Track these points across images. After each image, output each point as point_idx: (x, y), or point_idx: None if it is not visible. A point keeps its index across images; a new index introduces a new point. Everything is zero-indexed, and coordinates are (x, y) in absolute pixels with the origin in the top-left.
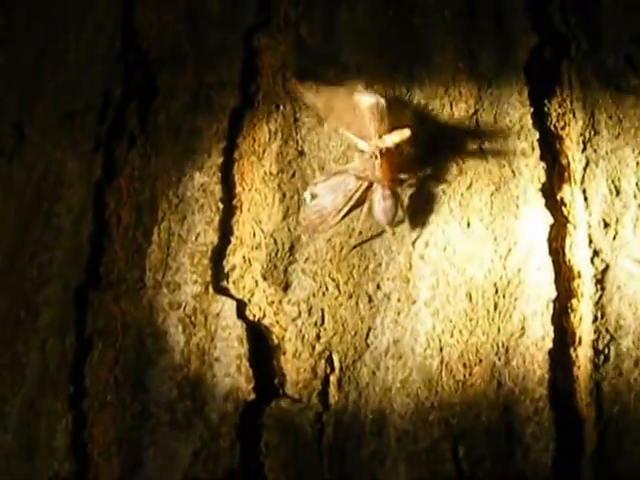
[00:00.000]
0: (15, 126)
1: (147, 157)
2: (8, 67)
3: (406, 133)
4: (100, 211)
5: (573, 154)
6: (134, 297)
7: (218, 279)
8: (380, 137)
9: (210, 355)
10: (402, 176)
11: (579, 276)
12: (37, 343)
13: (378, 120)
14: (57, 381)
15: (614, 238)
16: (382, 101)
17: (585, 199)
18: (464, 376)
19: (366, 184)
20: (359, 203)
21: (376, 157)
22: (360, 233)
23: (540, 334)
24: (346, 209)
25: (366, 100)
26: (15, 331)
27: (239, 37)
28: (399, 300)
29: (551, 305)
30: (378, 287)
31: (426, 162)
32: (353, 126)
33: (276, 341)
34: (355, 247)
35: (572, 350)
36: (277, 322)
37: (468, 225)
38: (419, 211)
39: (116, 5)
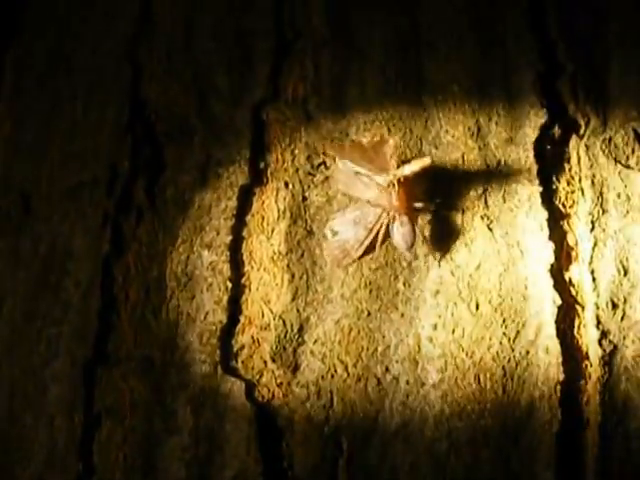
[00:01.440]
0: (22, 196)
1: (155, 233)
2: (16, 135)
3: (426, 161)
4: (108, 286)
5: (581, 233)
6: (142, 375)
7: (227, 359)
8: (399, 167)
9: (219, 436)
10: (418, 205)
11: (587, 357)
12: (45, 419)
13: (399, 156)
14: (65, 458)
15: (622, 319)
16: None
17: (593, 279)
18: (472, 459)
19: (385, 215)
20: (379, 234)
21: (394, 185)
22: (369, 314)
23: (548, 417)
24: (367, 242)
25: (389, 141)
26: (24, 405)
27: (247, 111)
28: (408, 383)
29: (559, 388)
30: (387, 369)
31: (435, 242)
32: (373, 165)
33: (285, 423)
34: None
35: (580, 432)
36: (286, 404)
37: (477, 307)
38: (428, 292)
39: (124, 75)
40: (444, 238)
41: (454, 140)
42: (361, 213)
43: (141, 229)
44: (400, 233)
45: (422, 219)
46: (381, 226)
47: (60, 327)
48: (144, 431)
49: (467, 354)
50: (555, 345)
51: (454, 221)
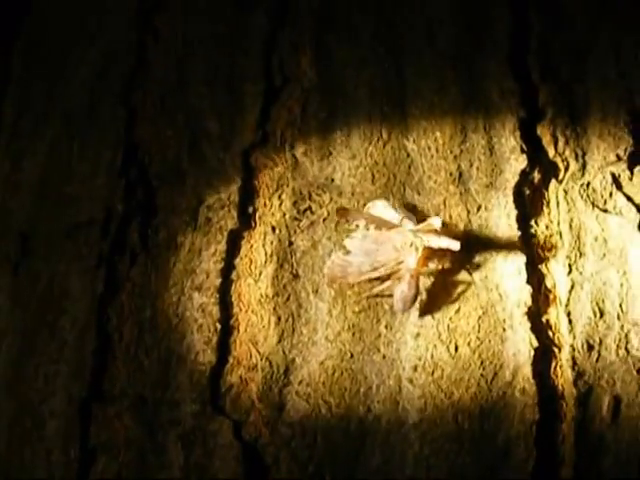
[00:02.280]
0: (21, 237)
1: (148, 274)
2: (15, 174)
3: (455, 246)
4: (103, 325)
5: (559, 276)
6: (135, 413)
7: (216, 398)
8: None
9: (208, 473)
10: (430, 267)
11: (562, 397)
12: (43, 453)
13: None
14: None
15: (597, 360)
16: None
17: (570, 321)
18: None
19: (397, 266)
20: (381, 278)
21: (417, 249)
22: (352, 356)
23: (524, 456)
24: (366, 277)
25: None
26: (22, 440)
27: (237, 156)
28: (389, 422)
29: (534, 427)
30: (369, 409)
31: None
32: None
33: (271, 461)
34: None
35: (555, 470)
36: (272, 442)
37: (456, 349)
38: (409, 334)
39: (119, 118)
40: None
41: (436, 186)
42: (376, 249)
43: (134, 270)
44: (403, 295)
45: None
46: (386, 272)
47: (57, 365)
48: (137, 466)
49: (446, 395)
50: (531, 386)
51: (434, 264)
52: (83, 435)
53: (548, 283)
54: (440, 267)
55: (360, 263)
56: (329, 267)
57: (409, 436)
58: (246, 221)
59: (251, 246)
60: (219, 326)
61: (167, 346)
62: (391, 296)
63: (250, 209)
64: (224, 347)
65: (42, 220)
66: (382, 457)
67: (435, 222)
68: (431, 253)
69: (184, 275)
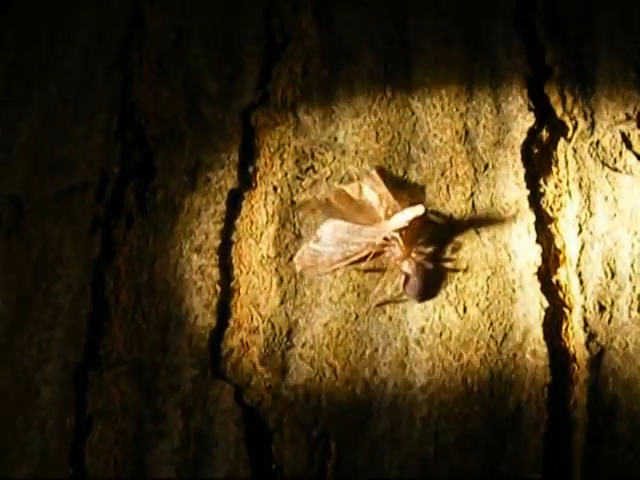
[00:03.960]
0: (14, 201)
1: (145, 237)
2: (7, 139)
3: (419, 209)
4: (99, 291)
5: (569, 236)
6: (133, 379)
7: (216, 362)
8: (389, 217)
9: (208, 439)
10: (421, 250)
11: (574, 360)
12: (37, 422)
13: (385, 206)
14: (57, 461)
15: (609, 321)
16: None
17: (581, 282)
18: (459, 461)
19: (367, 252)
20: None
21: (395, 239)
22: (357, 318)
23: (535, 419)
24: (337, 266)
25: (370, 191)
26: (16, 409)
27: (237, 116)
28: (395, 385)
29: (546, 390)
30: (375, 372)
31: (424, 244)
32: (361, 215)
33: (274, 425)
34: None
35: (567, 434)
36: (275, 407)
37: (464, 310)
38: None
39: (115, 81)
40: (432, 241)
41: (442, 144)
42: (348, 238)
43: (131, 233)
44: (409, 286)
45: None
46: (360, 258)
47: (51, 331)
48: (135, 434)
49: (454, 357)
50: (542, 348)
51: (442, 225)
52: (79, 403)
53: (558, 243)
54: (431, 249)
55: (331, 253)
56: (299, 257)
57: (417, 400)
58: (247, 181)
59: (252, 206)
60: (219, 288)
61: (165, 310)
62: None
63: (251, 169)
64: (224, 310)
65: (36, 184)
66: (389, 421)
67: (417, 210)
68: (415, 233)
69: (183, 237)
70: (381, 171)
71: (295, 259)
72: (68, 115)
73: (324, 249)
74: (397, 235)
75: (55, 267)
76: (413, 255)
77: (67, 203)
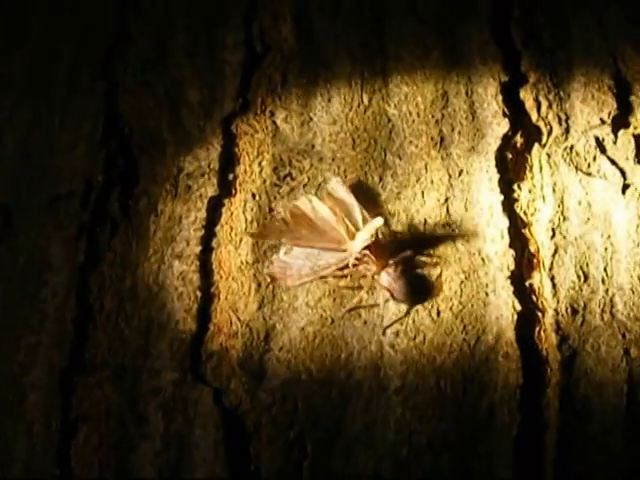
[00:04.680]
0: (3, 209)
1: (129, 244)
2: None
3: (378, 222)
4: (84, 296)
5: (542, 240)
6: (116, 382)
7: (196, 366)
8: (353, 237)
9: (189, 441)
10: (394, 259)
11: (547, 362)
12: (24, 426)
13: (345, 222)
14: (44, 462)
15: (582, 324)
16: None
17: (554, 286)
18: (433, 463)
19: (335, 267)
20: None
21: (365, 256)
22: (332, 322)
23: (507, 421)
24: (306, 280)
25: (322, 207)
26: (3, 412)
27: (217, 124)
28: (370, 388)
29: (518, 392)
30: (350, 375)
31: (398, 250)
32: (323, 239)
33: (252, 428)
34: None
35: (539, 436)
36: (253, 409)
37: (438, 314)
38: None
39: (99, 90)
40: (407, 247)
41: (417, 150)
42: (317, 253)
43: (115, 240)
44: (396, 294)
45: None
46: (329, 272)
47: (38, 336)
48: (118, 436)
49: (428, 360)
50: (515, 350)
51: (417, 231)
52: (64, 406)
53: (531, 247)
54: (408, 253)
55: (300, 266)
56: (269, 267)
57: (391, 402)
58: (226, 188)
59: (231, 213)
60: (199, 294)
61: (147, 315)
62: None
63: (230, 176)
64: (204, 315)
65: (24, 193)
66: (363, 423)
67: (376, 222)
68: (385, 243)
69: (164, 243)
70: (340, 180)
71: (265, 270)
72: (54, 125)
73: (293, 261)
74: (367, 252)
75: (42, 273)
76: (390, 262)
77: (53, 211)
